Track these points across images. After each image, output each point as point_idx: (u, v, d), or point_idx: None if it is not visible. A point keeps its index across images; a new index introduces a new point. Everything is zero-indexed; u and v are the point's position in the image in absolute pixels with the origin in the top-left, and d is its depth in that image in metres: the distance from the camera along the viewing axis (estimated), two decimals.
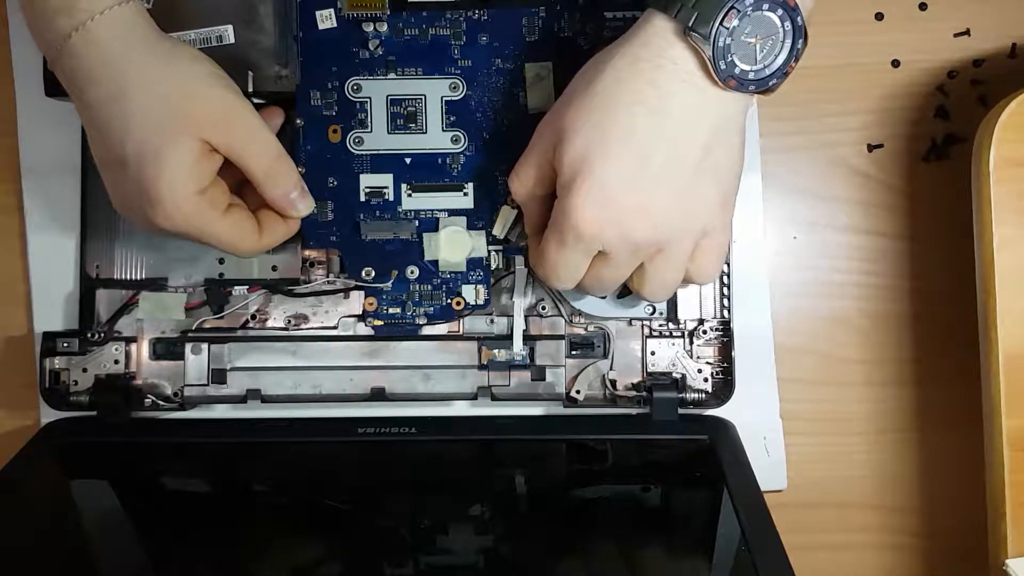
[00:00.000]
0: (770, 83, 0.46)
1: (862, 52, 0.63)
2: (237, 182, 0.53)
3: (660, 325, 0.60)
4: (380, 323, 0.58)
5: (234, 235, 0.51)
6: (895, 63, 0.63)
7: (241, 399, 0.59)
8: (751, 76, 0.46)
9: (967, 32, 0.62)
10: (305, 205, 0.54)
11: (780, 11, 0.45)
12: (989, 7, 0.62)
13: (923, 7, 0.63)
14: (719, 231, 0.50)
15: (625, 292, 0.58)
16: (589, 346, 0.60)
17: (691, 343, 0.60)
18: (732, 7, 0.44)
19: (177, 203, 0.48)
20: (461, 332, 0.59)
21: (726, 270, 0.59)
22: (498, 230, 0.57)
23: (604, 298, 0.59)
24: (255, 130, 0.51)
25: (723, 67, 0.45)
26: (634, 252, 0.48)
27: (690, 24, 0.44)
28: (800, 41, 0.46)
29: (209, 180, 0.50)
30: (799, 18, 0.45)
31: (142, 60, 0.48)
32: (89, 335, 0.60)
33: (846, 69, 0.63)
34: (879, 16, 0.63)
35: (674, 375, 0.60)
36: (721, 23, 0.44)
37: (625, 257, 0.49)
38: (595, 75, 0.47)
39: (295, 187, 0.53)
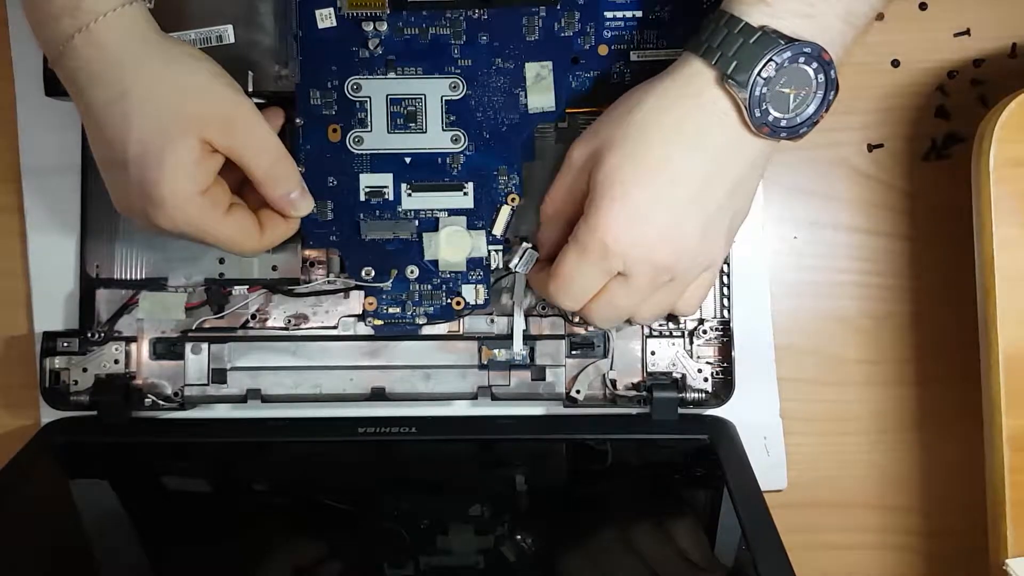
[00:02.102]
0: (800, 131, 0.48)
1: (862, 52, 0.63)
2: (238, 181, 0.53)
3: (660, 325, 0.60)
4: (380, 323, 0.58)
5: (235, 235, 0.51)
6: (895, 63, 0.63)
7: (241, 399, 0.59)
8: (783, 124, 0.47)
9: (967, 32, 0.62)
10: (305, 205, 0.54)
11: (815, 64, 0.47)
12: (989, 7, 0.62)
13: (923, 7, 0.63)
14: (714, 268, 0.52)
15: None
16: (589, 346, 0.60)
17: (691, 343, 0.60)
18: (770, 59, 0.46)
19: (179, 204, 0.48)
20: (461, 332, 0.59)
21: (726, 270, 0.60)
22: (498, 230, 0.57)
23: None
24: (256, 130, 0.51)
25: (758, 115, 0.46)
26: (654, 277, 0.49)
27: (728, 72, 0.46)
28: (832, 92, 0.48)
29: (211, 180, 0.50)
30: (832, 71, 0.47)
31: (144, 61, 0.48)
32: (89, 335, 0.60)
33: (846, 69, 0.62)
34: (879, 16, 0.63)
35: (674, 375, 0.60)
36: (759, 73, 0.46)
37: (644, 281, 0.49)
38: (635, 104, 0.49)
39: (296, 187, 0.53)
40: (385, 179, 0.57)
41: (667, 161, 0.47)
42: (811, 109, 0.48)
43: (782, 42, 0.46)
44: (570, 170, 0.51)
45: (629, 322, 0.56)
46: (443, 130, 0.57)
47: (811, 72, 0.47)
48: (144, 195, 0.48)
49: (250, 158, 0.51)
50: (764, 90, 0.46)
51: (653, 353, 0.60)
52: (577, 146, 0.51)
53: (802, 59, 0.46)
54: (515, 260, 0.55)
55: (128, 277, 0.60)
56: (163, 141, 0.48)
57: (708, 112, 0.47)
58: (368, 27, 0.56)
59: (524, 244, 0.55)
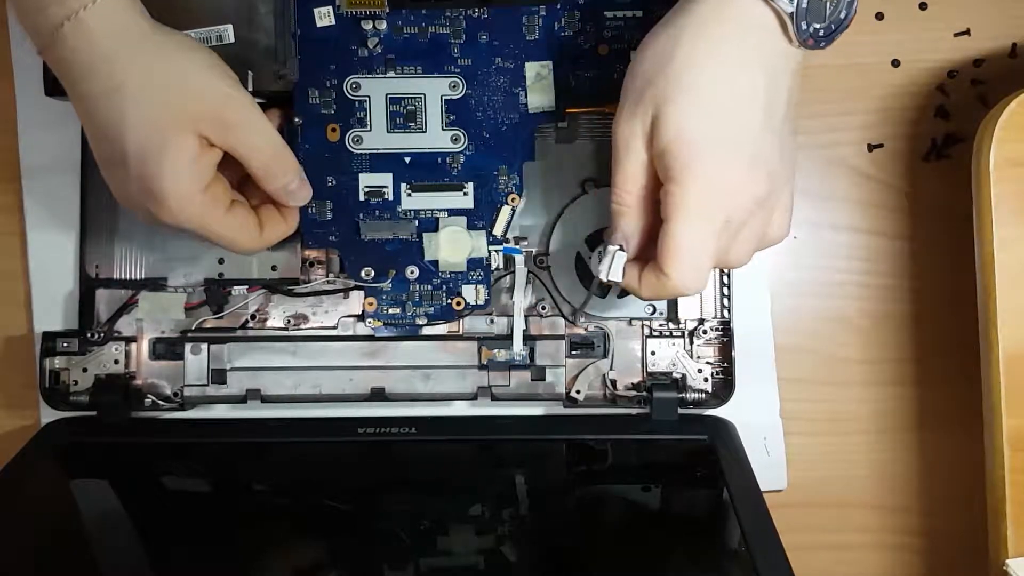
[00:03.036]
0: (833, 38, 0.48)
1: (862, 52, 0.63)
2: (238, 175, 0.52)
3: (660, 325, 0.60)
4: (380, 323, 0.58)
5: (236, 232, 0.51)
6: (895, 63, 0.63)
7: (241, 399, 0.59)
8: (821, 33, 0.47)
9: (967, 32, 0.62)
10: (304, 195, 0.54)
11: None
12: (989, 7, 0.62)
13: (923, 7, 0.63)
14: (792, 183, 0.50)
15: (624, 292, 0.59)
16: (589, 346, 0.60)
17: (691, 343, 0.60)
18: None
19: (180, 201, 0.48)
20: (461, 332, 0.59)
21: (726, 270, 0.59)
22: (498, 230, 0.57)
23: (604, 297, 0.59)
24: (254, 124, 0.50)
25: (804, 26, 0.46)
26: (756, 208, 0.47)
27: None
28: None
29: (210, 176, 0.50)
30: None
31: (137, 52, 0.48)
32: (89, 335, 0.60)
33: (846, 69, 0.63)
34: (879, 16, 0.63)
35: (674, 375, 0.60)
36: None
37: (748, 217, 0.47)
38: (673, 47, 0.46)
39: (294, 178, 0.53)
40: (385, 179, 0.57)
41: (732, 94, 0.46)
42: (843, 14, 0.47)
43: None
44: (628, 149, 0.48)
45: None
46: (443, 130, 0.57)
47: None
48: (144, 192, 0.48)
49: (247, 152, 0.50)
50: (808, 2, 0.46)
51: (653, 353, 0.60)
52: (622, 122, 0.48)
53: None
54: (604, 269, 0.49)
55: (128, 277, 0.60)
56: (160, 138, 0.47)
57: (756, 30, 0.46)
58: (367, 26, 0.56)
59: (609, 247, 0.49)
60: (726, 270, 0.59)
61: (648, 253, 0.48)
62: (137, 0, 0.49)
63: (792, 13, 0.46)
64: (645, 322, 0.60)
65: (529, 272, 0.59)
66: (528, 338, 0.59)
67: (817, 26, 0.47)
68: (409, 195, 0.57)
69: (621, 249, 0.49)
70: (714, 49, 0.46)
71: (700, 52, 0.46)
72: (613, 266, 0.48)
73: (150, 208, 0.49)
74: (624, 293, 0.59)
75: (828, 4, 0.47)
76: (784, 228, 0.50)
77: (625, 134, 0.47)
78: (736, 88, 0.46)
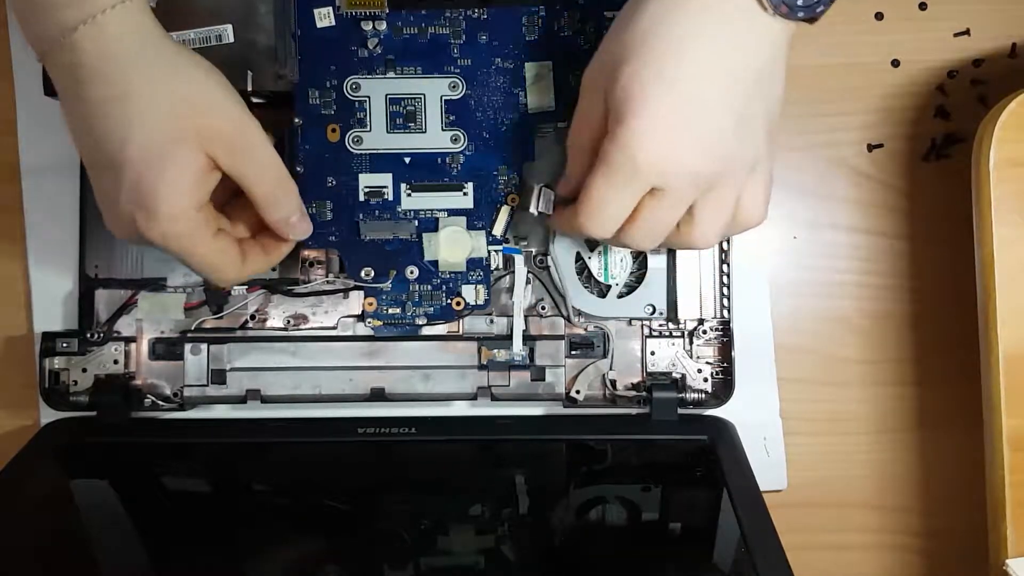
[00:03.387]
0: (817, 10, 0.45)
1: (862, 52, 0.63)
2: (220, 203, 0.51)
3: (660, 325, 0.60)
4: (379, 323, 0.58)
5: (219, 260, 0.50)
6: (895, 63, 0.63)
7: (241, 399, 0.59)
8: (800, 3, 0.45)
9: (967, 32, 0.62)
10: (304, 229, 0.53)
11: None
12: (989, 7, 0.62)
13: (923, 7, 0.63)
14: (764, 165, 0.48)
15: (624, 292, 0.59)
16: (589, 346, 0.60)
17: (691, 343, 0.60)
18: None
19: (174, 216, 0.47)
20: (461, 332, 0.59)
21: (726, 270, 0.59)
22: (498, 230, 0.57)
23: (604, 297, 0.59)
24: (261, 151, 0.49)
25: None
26: (691, 184, 0.46)
27: None
28: None
29: (206, 198, 0.48)
30: None
31: (151, 61, 0.47)
32: (89, 335, 0.60)
33: (846, 69, 0.63)
34: (879, 16, 0.63)
35: (674, 375, 0.60)
36: None
37: (681, 191, 0.46)
38: (639, 7, 0.46)
39: (296, 210, 0.52)
40: (384, 179, 0.57)
41: (686, 58, 0.45)
42: None
43: None
44: (586, 95, 0.48)
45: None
46: (443, 130, 0.57)
47: None
48: (137, 201, 0.47)
49: (253, 179, 0.49)
50: None
51: (653, 353, 0.60)
52: (588, 69, 0.48)
53: None
54: (532, 203, 0.53)
55: (127, 277, 0.60)
56: (167, 150, 0.46)
57: (720, 3, 0.45)
58: (367, 26, 0.56)
59: (536, 185, 0.54)
60: (725, 269, 0.59)
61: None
62: (151, 12, 0.48)
63: None
64: (645, 322, 0.60)
65: (529, 272, 0.59)
66: (528, 338, 0.59)
67: None
68: (409, 195, 0.57)
69: (547, 187, 0.54)
70: (675, 17, 0.45)
71: (661, 20, 0.45)
72: (541, 200, 0.54)
73: (138, 219, 0.47)
74: (624, 293, 0.59)
75: None
76: (756, 213, 0.49)
77: (587, 80, 0.48)
78: (692, 60, 0.45)
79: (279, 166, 0.50)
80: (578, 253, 0.59)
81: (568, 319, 0.59)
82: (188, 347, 0.59)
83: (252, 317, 0.60)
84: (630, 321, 0.60)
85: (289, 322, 0.60)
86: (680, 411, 0.58)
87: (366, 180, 0.57)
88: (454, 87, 0.57)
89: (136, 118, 0.46)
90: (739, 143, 0.46)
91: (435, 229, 0.57)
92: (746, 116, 0.46)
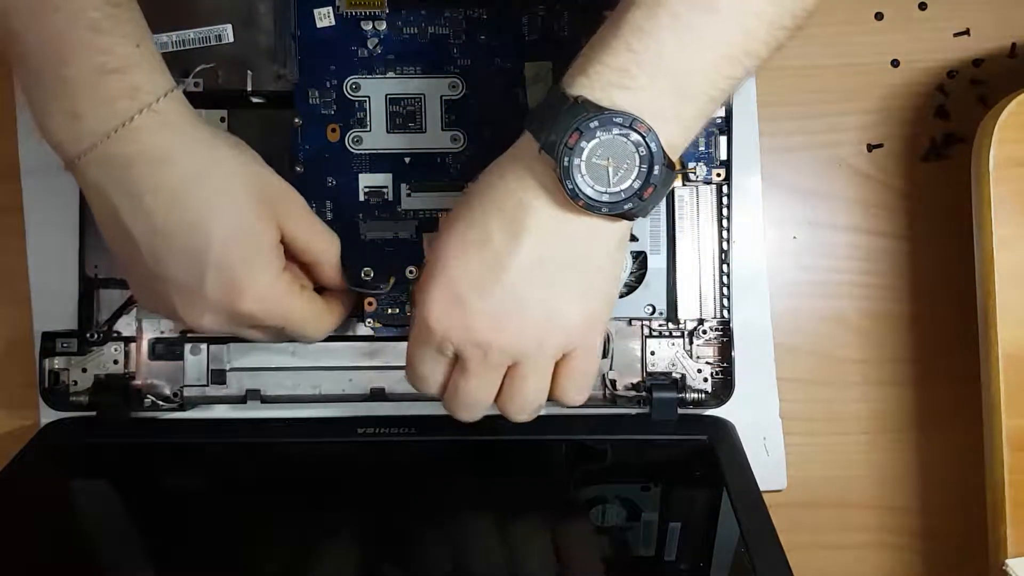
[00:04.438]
0: (626, 207, 0.45)
1: (862, 52, 0.63)
2: None
3: (660, 325, 0.60)
4: (379, 324, 0.58)
5: (313, 313, 0.52)
6: (895, 63, 0.63)
7: (241, 399, 0.59)
8: (605, 199, 0.44)
9: (967, 32, 0.62)
10: (343, 283, 0.54)
11: (633, 135, 0.44)
12: (989, 7, 0.62)
13: (923, 7, 0.63)
14: (582, 353, 0.48)
15: (625, 292, 0.58)
16: None
17: (691, 343, 0.60)
18: (576, 128, 0.43)
19: (269, 283, 0.48)
20: None
21: (726, 270, 0.59)
22: None
23: None
24: (313, 215, 0.51)
25: (570, 187, 0.44)
26: (484, 360, 0.47)
27: (542, 143, 0.44)
28: (659, 167, 0.44)
29: (284, 262, 0.50)
30: (654, 143, 0.44)
31: (210, 142, 0.48)
32: (89, 335, 0.60)
33: (846, 69, 0.63)
34: (879, 16, 0.63)
35: (674, 375, 0.60)
36: (566, 144, 0.43)
37: (478, 365, 0.47)
38: (471, 188, 0.48)
39: (333, 246, 0.53)
40: (384, 179, 0.57)
41: (488, 241, 0.45)
42: (635, 184, 0.44)
43: (591, 111, 0.43)
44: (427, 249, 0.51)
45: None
46: (442, 130, 0.57)
47: (630, 144, 0.44)
48: (228, 280, 0.47)
49: (311, 241, 0.51)
50: (577, 161, 0.43)
51: (653, 353, 0.60)
52: (437, 230, 0.50)
53: (615, 129, 0.43)
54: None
55: None
56: (252, 225, 0.47)
57: (530, 189, 0.45)
58: (367, 26, 0.56)
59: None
60: (725, 269, 0.59)
61: None
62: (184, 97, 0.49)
63: (556, 171, 0.44)
64: (645, 322, 0.60)
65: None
66: None
67: (599, 188, 0.44)
68: (409, 195, 0.57)
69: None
70: (489, 198, 0.46)
71: (478, 198, 0.47)
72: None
73: (231, 298, 0.47)
74: (624, 293, 0.59)
75: (612, 170, 0.44)
76: (571, 396, 0.50)
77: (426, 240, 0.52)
78: (492, 242, 0.45)
79: (323, 226, 0.52)
80: None
81: None
82: (188, 347, 0.59)
83: None
84: (630, 321, 0.60)
85: None
86: (680, 411, 0.58)
87: (366, 180, 0.57)
88: (454, 87, 0.57)
89: (217, 198, 0.47)
90: (536, 328, 0.47)
91: (435, 229, 0.57)
92: (548, 302, 0.46)
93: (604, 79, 0.43)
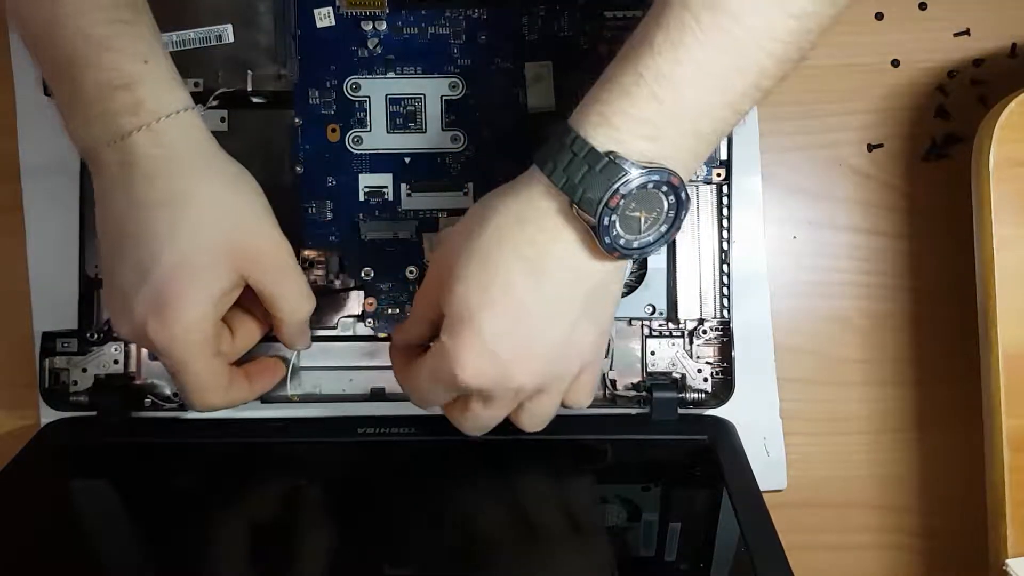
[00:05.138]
0: (652, 250, 0.46)
1: (862, 52, 0.63)
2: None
3: (660, 325, 0.60)
4: (379, 324, 0.58)
5: (208, 381, 0.51)
6: (895, 63, 0.63)
7: None
8: (635, 245, 0.46)
9: (967, 32, 0.62)
10: (304, 343, 0.55)
11: (665, 187, 0.44)
12: (989, 7, 0.62)
13: (923, 7, 0.63)
14: (593, 364, 0.50)
15: (625, 292, 0.58)
16: None
17: (691, 343, 0.60)
18: (616, 190, 0.43)
19: (188, 327, 0.48)
20: None
21: (726, 270, 0.59)
22: None
23: None
24: (293, 269, 0.51)
25: (607, 241, 0.45)
26: (515, 396, 0.48)
27: (576, 199, 0.44)
28: (684, 212, 0.45)
29: (221, 316, 0.50)
30: (683, 193, 0.45)
31: (202, 172, 0.48)
32: (89, 335, 0.60)
33: (846, 69, 0.63)
34: (879, 16, 0.63)
35: (674, 375, 0.60)
36: (606, 204, 0.43)
37: (506, 401, 0.48)
38: (480, 225, 0.47)
39: (305, 326, 0.54)
40: (385, 179, 0.57)
41: (511, 288, 0.45)
42: (663, 228, 0.46)
43: (630, 171, 0.43)
44: (431, 269, 0.49)
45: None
46: (443, 130, 0.57)
47: (662, 196, 0.45)
48: (156, 304, 0.47)
49: (281, 295, 0.51)
50: (613, 217, 0.44)
51: (653, 353, 0.60)
52: (436, 250, 0.50)
53: (651, 185, 0.44)
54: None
55: None
56: (203, 262, 0.48)
57: (554, 237, 0.45)
58: (367, 26, 0.56)
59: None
60: (725, 269, 0.59)
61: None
62: (201, 120, 0.49)
63: (595, 226, 0.44)
64: (645, 322, 0.60)
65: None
66: None
67: (629, 237, 0.45)
68: (409, 195, 0.57)
69: None
70: (507, 247, 0.46)
71: (495, 246, 0.46)
72: None
73: (149, 322, 0.48)
74: (624, 293, 0.59)
75: (644, 220, 0.45)
76: (580, 401, 0.51)
77: (435, 258, 0.49)
78: (516, 291, 0.45)
79: (304, 281, 0.52)
80: None
81: None
82: None
83: None
84: (630, 321, 0.60)
85: None
86: (680, 411, 0.58)
87: (366, 180, 0.57)
88: (454, 87, 0.57)
89: (181, 224, 0.47)
90: (561, 360, 0.48)
91: (435, 229, 0.57)
92: (570, 336, 0.47)
93: (632, 131, 0.43)
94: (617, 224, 0.44)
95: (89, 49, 0.46)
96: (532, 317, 0.46)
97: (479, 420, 0.50)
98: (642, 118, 0.43)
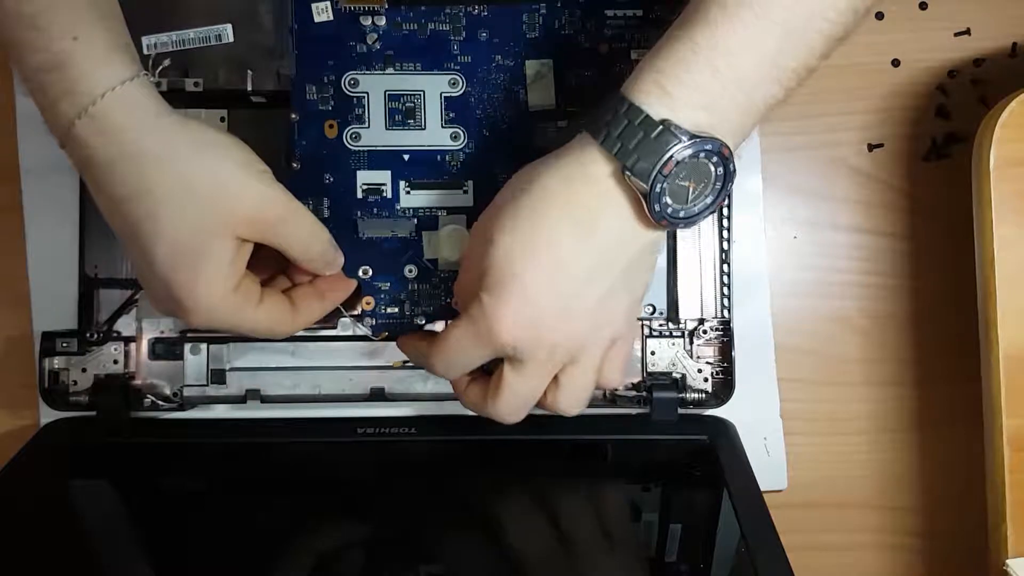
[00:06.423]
0: (697, 220, 0.47)
1: (862, 52, 0.63)
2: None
3: (660, 325, 0.60)
4: (379, 334, 0.57)
5: (270, 323, 0.50)
6: (895, 63, 0.63)
7: (240, 399, 0.59)
8: (681, 215, 0.46)
9: (967, 32, 0.62)
10: (335, 267, 0.53)
11: (715, 158, 0.45)
12: (989, 7, 0.62)
13: (923, 7, 0.63)
14: (625, 339, 0.50)
15: None
16: None
17: (691, 343, 0.60)
18: (671, 156, 0.44)
19: (213, 307, 0.47)
20: None
21: (726, 270, 0.59)
22: None
23: None
24: (293, 217, 0.49)
25: (657, 209, 0.45)
26: (549, 358, 0.47)
27: (629, 165, 0.44)
28: (730, 183, 0.46)
29: (242, 274, 0.48)
30: (731, 164, 0.45)
31: (164, 150, 0.44)
32: (88, 335, 0.60)
33: (846, 69, 0.63)
34: (879, 16, 0.63)
35: (674, 375, 0.60)
36: (660, 171, 0.44)
37: (540, 366, 0.48)
38: (529, 183, 0.47)
39: (333, 258, 0.53)
40: (383, 176, 0.57)
41: (557, 244, 0.46)
42: (709, 199, 0.46)
43: (684, 139, 0.43)
44: (473, 242, 0.49)
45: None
46: (442, 127, 0.57)
47: (711, 166, 0.45)
48: (173, 300, 0.46)
49: (286, 244, 0.49)
50: (664, 185, 0.44)
51: (653, 353, 0.60)
52: (480, 218, 0.49)
53: (703, 155, 0.44)
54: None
55: (127, 277, 0.60)
56: (196, 245, 0.45)
57: (603, 201, 0.45)
58: (366, 22, 0.56)
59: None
60: (725, 269, 0.59)
61: None
62: (152, 87, 0.45)
63: (646, 193, 0.44)
64: (645, 322, 0.60)
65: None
66: None
67: (676, 207, 0.45)
68: (408, 193, 0.57)
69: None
70: (556, 206, 0.46)
71: (543, 205, 0.46)
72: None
73: (177, 312, 0.47)
74: None
75: (692, 190, 0.46)
76: (613, 379, 0.51)
77: (476, 230, 0.49)
78: (562, 249, 0.46)
79: (310, 221, 0.50)
80: None
81: None
82: (188, 347, 0.59)
83: None
84: None
85: None
86: (680, 411, 0.58)
87: (364, 177, 0.57)
88: (454, 84, 0.57)
89: (161, 215, 0.45)
90: (595, 325, 0.48)
91: (434, 227, 0.57)
92: (607, 300, 0.47)
93: (686, 100, 0.44)
94: (667, 193, 0.45)
95: (21, 30, 0.42)
96: (572, 278, 0.46)
97: (513, 393, 0.49)
98: (697, 86, 0.43)
